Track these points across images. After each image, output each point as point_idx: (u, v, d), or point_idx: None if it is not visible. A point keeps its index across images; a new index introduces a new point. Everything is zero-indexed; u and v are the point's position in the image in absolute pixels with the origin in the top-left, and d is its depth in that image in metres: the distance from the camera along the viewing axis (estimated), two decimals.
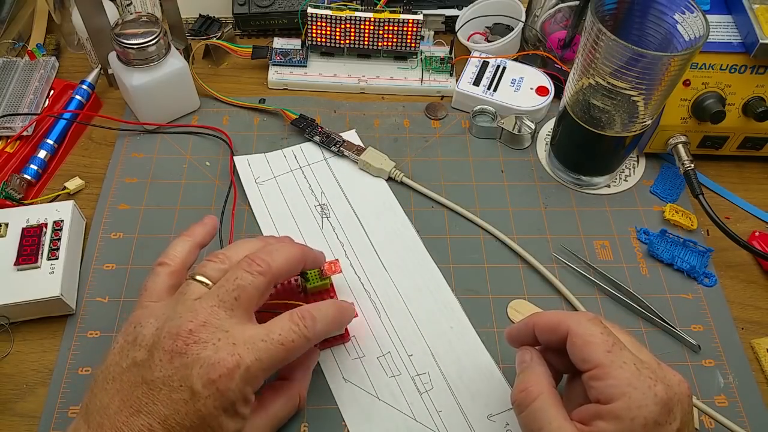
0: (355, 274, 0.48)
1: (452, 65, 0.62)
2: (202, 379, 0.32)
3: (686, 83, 0.50)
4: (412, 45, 0.61)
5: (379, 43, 0.61)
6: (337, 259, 0.44)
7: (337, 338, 0.44)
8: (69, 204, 0.48)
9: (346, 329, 0.44)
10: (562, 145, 0.53)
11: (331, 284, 0.45)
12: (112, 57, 0.54)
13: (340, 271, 0.43)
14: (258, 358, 0.34)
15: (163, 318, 0.35)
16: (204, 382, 0.32)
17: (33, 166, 0.52)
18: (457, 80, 0.60)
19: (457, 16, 0.64)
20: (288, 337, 0.35)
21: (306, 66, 0.62)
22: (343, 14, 0.59)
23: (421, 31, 0.60)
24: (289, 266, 0.38)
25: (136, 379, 0.33)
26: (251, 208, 0.52)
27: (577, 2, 0.57)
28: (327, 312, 0.38)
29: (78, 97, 0.57)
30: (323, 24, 0.60)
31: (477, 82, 0.59)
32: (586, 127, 0.48)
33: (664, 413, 0.32)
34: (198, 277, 0.37)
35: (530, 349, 0.38)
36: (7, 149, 0.53)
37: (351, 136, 0.57)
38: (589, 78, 0.46)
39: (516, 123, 0.56)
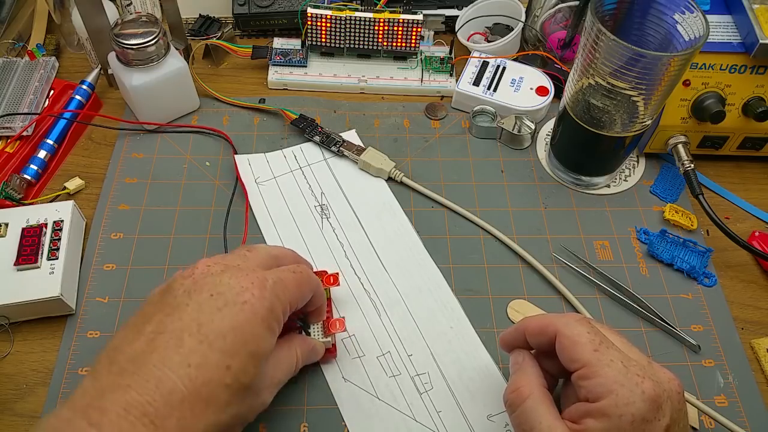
0: (355, 274, 0.48)
1: (452, 65, 0.62)
2: (235, 288, 0.32)
3: (686, 83, 0.50)
4: (412, 45, 0.61)
5: (379, 43, 0.61)
6: (337, 272, 0.44)
7: (325, 353, 0.43)
8: (69, 204, 0.48)
9: (334, 344, 0.43)
10: (562, 145, 0.53)
11: (329, 297, 0.45)
12: (112, 57, 0.54)
13: (339, 284, 0.44)
14: (279, 278, 0.35)
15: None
16: (237, 290, 0.32)
17: (33, 166, 0.52)
18: (457, 80, 0.60)
19: (457, 16, 0.64)
20: (297, 268, 0.37)
21: (306, 66, 0.62)
22: (343, 14, 0.59)
23: (421, 31, 0.60)
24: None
25: (152, 310, 0.32)
26: (251, 208, 0.52)
27: (577, 2, 0.57)
28: None
29: (78, 97, 0.57)
30: (323, 24, 0.60)
31: (477, 82, 0.59)
32: (586, 127, 0.48)
33: (652, 410, 0.32)
34: None
35: (523, 351, 0.38)
36: (7, 149, 0.53)
37: (351, 136, 0.57)
38: (589, 78, 0.46)
39: (516, 123, 0.56)
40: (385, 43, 0.61)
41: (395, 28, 0.60)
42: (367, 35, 0.60)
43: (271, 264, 0.38)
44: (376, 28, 0.60)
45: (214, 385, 0.30)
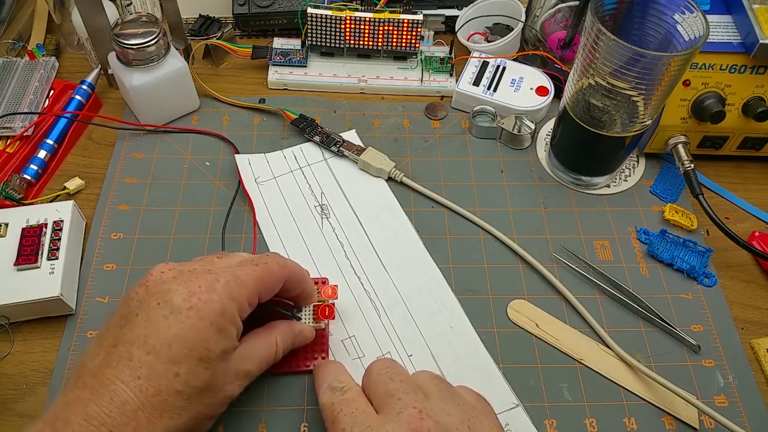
0: (355, 274, 0.48)
1: (452, 65, 0.62)
2: (182, 293, 0.33)
3: (686, 83, 0.50)
4: (412, 45, 0.61)
5: (379, 43, 0.61)
6: (336, 285, 0.44)
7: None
8: (69, 204, 0.48)
9: (325, 328, 0.43)
10: (562, 145, 0.53)
11: (324, 303, 0.45)
12: (112, 57, 0.54)
13: (337, 297, 0.44)
14: (235, 275, 0.35)
15: None
16: (184, 296, 0.33)
17: (33, 166, 0.52)
18: (457, 80, 0.60)
19: (457, 16, 0.64)
20: (261, 260, 0.37)
21: (306, 66, 0.62)
22: (343, 14, 0.59)
23: (421, 31, 0.60)
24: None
25: (113, 322, 0.34)
26: (251, 209, 0.52)
27: (577, 2, 0.57)
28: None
29: (78, 97, 0.57)
30: (323, 24, 0.60)
31: (477, 82, 0.59)
32: (586, 127, 0.48)
33: None
34: None
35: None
36: (8, 149, 0.53)
37: (351, 136, 0.57)
38: (589, 78, 0.46)
39: (516, 123, 0.56)
40: (385, 43, 0.61)
41: (395, 28, 0.60)
42: (367, 35, 0.60)
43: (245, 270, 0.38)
44: (376, 28, 0.60)
45: (165, 394, 0.31)
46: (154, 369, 0.31)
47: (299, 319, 0.42)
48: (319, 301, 0.43)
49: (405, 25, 0.59)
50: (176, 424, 0.32)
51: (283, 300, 0.41)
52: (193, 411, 0.33)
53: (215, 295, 0.33)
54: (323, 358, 0.43)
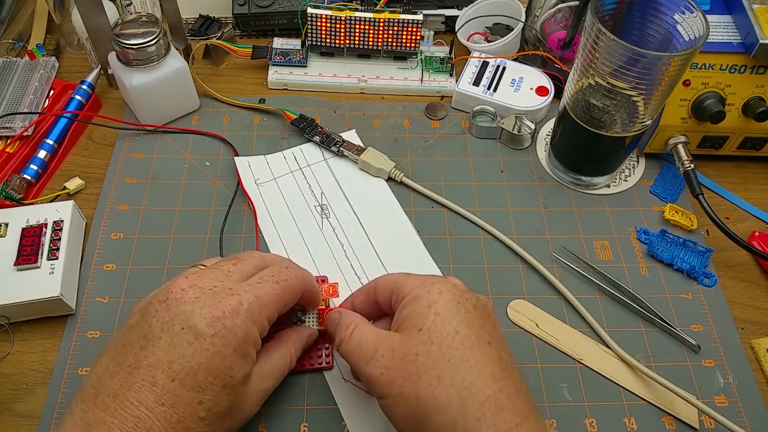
0: (355, 274, 0.48)
1: (452, 65, 0.62)
2: (206, 318, 0.32)
3: (686, 83, 0.50)
4: (412, 45, 0.61)
5: (379, 43, 0.61)
6: (336, 283, 0.45)
7: (324, 366, 0.43)
8: (69, 204, 0.48)
9: (331, 359, 0.43)
10: (562, 145, 0.53)
11: (327, 306, 0.45)
12: (112, 57, 0.54)
13: (338, 296, 0.44)
14: (257, 296, 0.35)
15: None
16: (209, 321, 0.32)
17: (33, 166, 0.52)
18: (456, 80, 0.60)
19: (457, 16, 0.64)
20: (281, 276, 0.37)
21: (306, 66, 0.62)
22: (343, 14, 0.59)
23: (421, 31, 0.60)
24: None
25: (131, 338, 0.33)
26: (251, 209, 0.52)
27: (577, 2, 0.57)
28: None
29: (78, 97, 0.57)
30: (323, 24, 0.60)
31: (477, 83, 0.59)
32: (586, 127, 0.48)
33: (458, 289, 0.36)
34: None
35: (335, 310, 0.41)
36: (8, 149, 0.53)
37: (351, 136, 0.57)
38: (589, 78, 0.46)
39: (516, 123, 0.56)
40: (385, 43, 0.61)
41: (395, 28, 0.60)
42: (367, 35, 0.60)
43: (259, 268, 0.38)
44: (376, 28, 0.60)
45: (188, 421, 0.32)
46: (178, 396, 0.31)
47: (303, 322, 0.42)
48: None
49: (405, 25, 0.59)
50: None
51: None
52: None
53: (239, 320, 0.33)
54: (327, 355, 0.43)
